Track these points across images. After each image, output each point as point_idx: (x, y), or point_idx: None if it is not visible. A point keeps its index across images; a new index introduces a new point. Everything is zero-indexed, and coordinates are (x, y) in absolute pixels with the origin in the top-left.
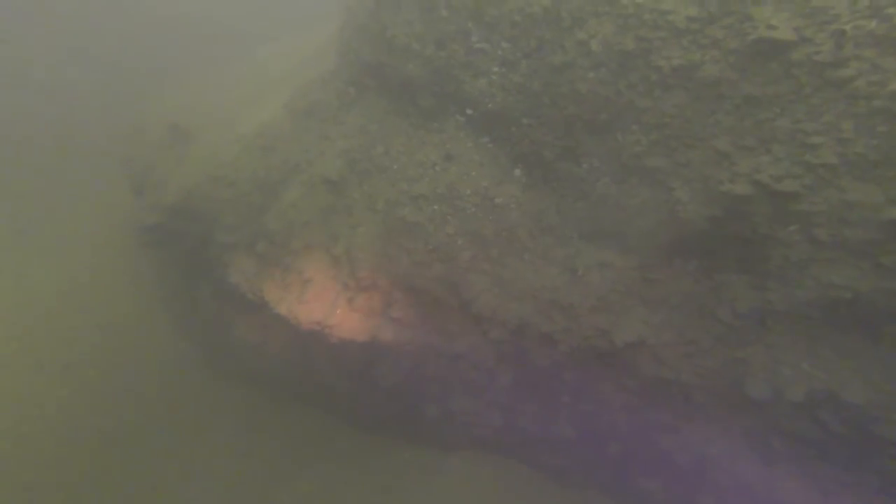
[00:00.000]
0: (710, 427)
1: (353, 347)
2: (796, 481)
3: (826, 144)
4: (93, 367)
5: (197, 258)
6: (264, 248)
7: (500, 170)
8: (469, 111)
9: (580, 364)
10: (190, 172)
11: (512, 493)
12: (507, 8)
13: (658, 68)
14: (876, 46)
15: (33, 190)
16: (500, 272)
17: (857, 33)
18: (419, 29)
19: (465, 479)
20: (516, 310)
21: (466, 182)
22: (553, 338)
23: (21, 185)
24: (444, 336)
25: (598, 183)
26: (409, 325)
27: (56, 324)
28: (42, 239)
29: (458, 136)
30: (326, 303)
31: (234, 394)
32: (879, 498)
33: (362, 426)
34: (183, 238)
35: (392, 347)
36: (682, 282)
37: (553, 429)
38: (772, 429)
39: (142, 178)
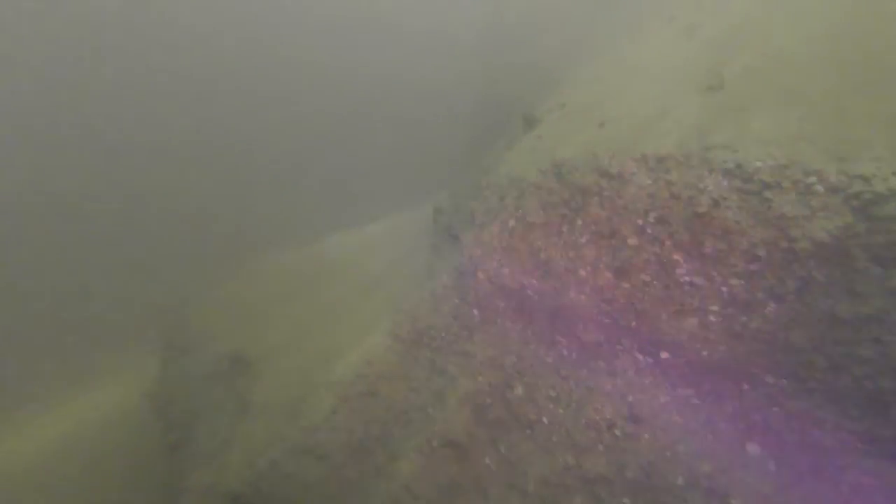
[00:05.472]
0: None
1: None
2: None
3: None
4: None
5: None
6: None
7: (722, 444)
8: (664, 354)
9: None
10: (259, 438)
11: None
12: (747, 242)
13: None
14: None
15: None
16: None
17: None
18: (591, 253)
19: None
20: None
21: (672, 462)
22: None
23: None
24: None
25: None
26: None
27: None
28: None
29: (643, 384)
30: None
31: None
32: None
33: None
34: None
35: None
36: None
37: None
38: None
39: (183, 432)
